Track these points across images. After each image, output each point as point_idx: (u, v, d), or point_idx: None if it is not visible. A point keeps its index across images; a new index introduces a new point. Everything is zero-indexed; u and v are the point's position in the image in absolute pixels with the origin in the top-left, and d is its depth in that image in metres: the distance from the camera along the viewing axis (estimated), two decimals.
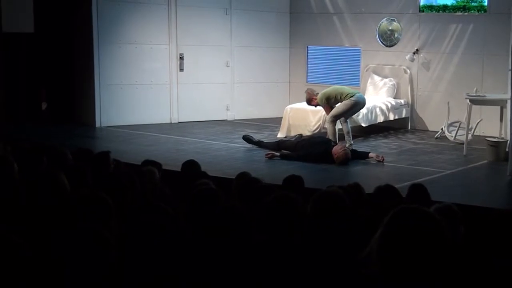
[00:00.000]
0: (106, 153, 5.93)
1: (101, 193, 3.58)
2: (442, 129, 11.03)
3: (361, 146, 10.13)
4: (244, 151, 9.87)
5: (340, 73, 13.16)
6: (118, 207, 3.58)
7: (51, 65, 12.31)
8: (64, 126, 11.71)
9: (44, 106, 12.58)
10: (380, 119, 11.39)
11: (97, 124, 11.89)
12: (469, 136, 9.92)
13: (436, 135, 11.14)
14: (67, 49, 12.27)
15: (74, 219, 3.35)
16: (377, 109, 11.30)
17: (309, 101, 10.29)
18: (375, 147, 10.22)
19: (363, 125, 10.93)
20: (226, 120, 12.91)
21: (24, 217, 3.71)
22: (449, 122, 10.94)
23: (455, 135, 10.54)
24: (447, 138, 10.80)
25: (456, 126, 10.64)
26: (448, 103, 11.00)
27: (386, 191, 4.77)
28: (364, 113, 10.86)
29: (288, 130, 10.93)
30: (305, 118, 10.79)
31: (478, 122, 10.38)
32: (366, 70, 12.71)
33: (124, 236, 3.19)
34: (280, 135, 10.90)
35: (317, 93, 10.19)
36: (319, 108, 10.36)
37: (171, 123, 12.52)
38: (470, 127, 9.95)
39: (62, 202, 3.70)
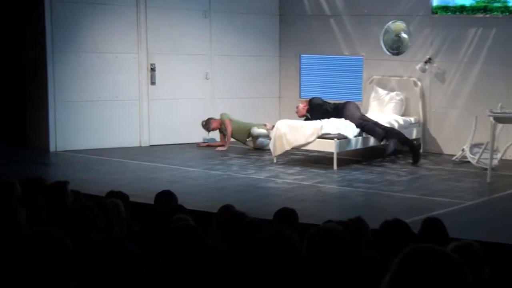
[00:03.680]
0: (63, 183, 5.92)
1: (58, 230, 3.57)
2: (463, 150, 11.01)
3: (364, 173, 10.26)
4: (227, 179, 9.87)
5: (338, 86, 13.24)
6: (78, 247, 3.57)
7: None
8: (12, 151, 11.67)
9: None
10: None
11: (52, 148, 11.86)
12: (495, 160, 9.92)
13: (455, 157, 11.15)
14: (16, 59, 12.26)
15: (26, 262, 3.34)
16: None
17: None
18: (380, 174, 10.28)
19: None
20: (205, 141, 12.91)
21: None
22: (473, 143, 10.93)
23: (478, 159, 10.55)
24: (467, 162, 10.80)
25: (480, 148, 10.61)
26: (476, 117, 10.85)
27: (395, 227, 4.78)
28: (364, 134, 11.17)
29: (281, 146, 10.95)
30: (298, 129, 10.92)
31: (508, 146, 10.39)
32: (370, 83, 12.78)
33: (85, 280, 3.18)
34: (278, 152, 10.96)
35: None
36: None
37: (140, 146, 12.52)
38: (495, 149, 9.95)
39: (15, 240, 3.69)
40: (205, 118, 12.53)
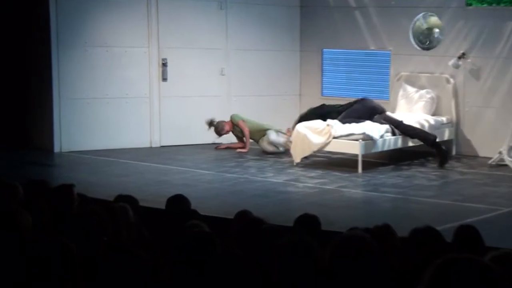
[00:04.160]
0: (69, 186, 5.93)
1: (63, 237, 3.58)
2: (500, 152, 10.98)
3: (391, 177, 10.22)
4: (244, 183, 9.87)
5: (364, 84, 13.20)
6: (85, 255, 3.58)
7: None
8: (14, 152, 11.72)
9: None
10: (415, 141, 11.40)
11: (56, 149, 11.91)
12: None
13: (491, 161, 11.11)
14: (18, 54, 12.31)
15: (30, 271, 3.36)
16: None
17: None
18: (409, 178, 10.24)
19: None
20: (221, 143, 12.90)
21: None
22: (510, 145, 10.88)
23: None
24: (504, 166, 10.78)
25: None
26: None
27: (425, 235, 4.75)
28: (391, 134, 11.16)
29: (303, 150, 10.97)
30: (319, 130, 10.98)
31: None
32: (398, 80, 12.74)
33: None
34: (299, 158, 10.99)
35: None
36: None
37: (151, 147, 12.55)
38: None
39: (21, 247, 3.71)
40: (209, 118, 12.39)
